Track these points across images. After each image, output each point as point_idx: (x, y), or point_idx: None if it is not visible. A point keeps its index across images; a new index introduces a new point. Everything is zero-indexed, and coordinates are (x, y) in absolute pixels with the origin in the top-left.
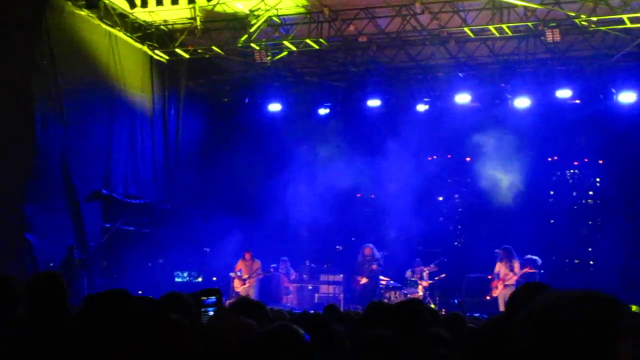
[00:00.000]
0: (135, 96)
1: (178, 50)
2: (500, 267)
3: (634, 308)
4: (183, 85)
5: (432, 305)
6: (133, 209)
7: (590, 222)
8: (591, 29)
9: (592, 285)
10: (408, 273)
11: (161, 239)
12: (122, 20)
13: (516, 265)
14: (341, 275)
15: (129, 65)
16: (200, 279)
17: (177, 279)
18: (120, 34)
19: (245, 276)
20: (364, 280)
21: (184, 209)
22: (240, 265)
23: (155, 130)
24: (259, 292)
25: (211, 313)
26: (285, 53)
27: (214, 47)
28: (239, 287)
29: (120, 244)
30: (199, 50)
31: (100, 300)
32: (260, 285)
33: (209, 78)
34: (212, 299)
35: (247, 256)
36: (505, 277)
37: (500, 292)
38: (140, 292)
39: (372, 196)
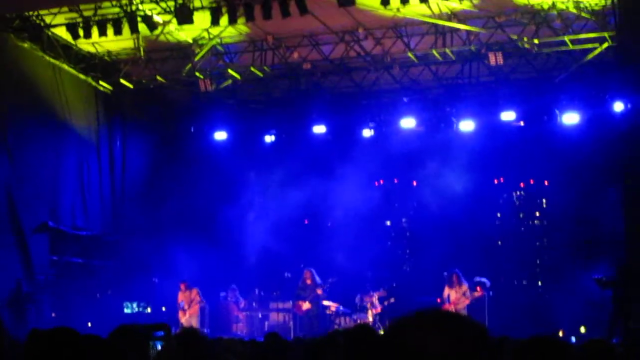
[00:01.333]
0: (81, 127)
1: (122, 81)
2: (449, 291)
3: (582, 330)
4: (128, 116)
5: (382, 331)
6: (81, 241)
7: (537, 243)
8: (535, 51)
9: (541, 305)
10: (357, 298)
11: (110, 271)
12: (66, 52)
13: (465, 288)
14: (290, 303)
15: (74, 97)
16: (149, 310)
17: (126, 310)
18: (64, 66)
19: (186, 307)
20: (306, 306)
21: (132, 239)
22: (180, 296)
23: (102, 161)
24: (209, 321)
25: (159, 347)
26: (229, 81)
27: (158, 77)
28: (182, 318)
29: (68, 276)
30: (143, 81)
31: (44, 338)
32: (204, 313)
33: (154, 108)
34: (160, 332)
35: (182, 287)
36: (457, 301)
37: None
38: (89, 324)
39: (327, 223)
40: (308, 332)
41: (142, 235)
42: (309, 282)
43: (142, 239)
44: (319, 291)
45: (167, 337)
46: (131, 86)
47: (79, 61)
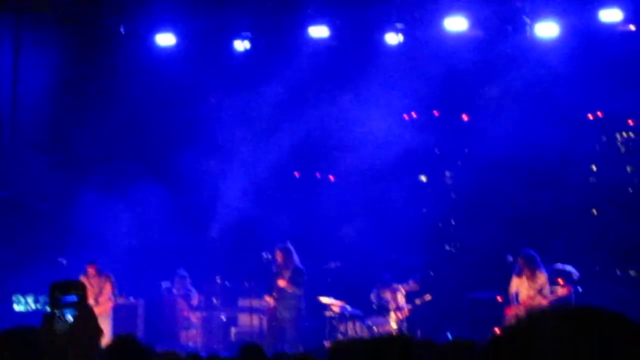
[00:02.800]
0: None
1: None
2: (518, 284)
3: None
4: (24, 10)
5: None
6: None
7: None
8: None
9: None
10: (374, 294)
11: None
12: None
13: (544, 281)
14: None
15: None
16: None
17: (16, 307)
18: None
19: (92, 301)
20: (282, 283)
21: (28, 199)
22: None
23: None
24: (144, 325)
25: (69, 317)
26: None
27: None
28: None
29: None
30: None
31: None
32: (137, 314)
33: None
34: (72, 297)
35: (91, 270)
36: (530, 300)
37: None
38: None
39: (318, 175)
40: (272, 343)
41: (45, 194)
42: (280, 266)
43: (43, 200)
44: (281, 283)
45: (81, 303)
46: None
47: None
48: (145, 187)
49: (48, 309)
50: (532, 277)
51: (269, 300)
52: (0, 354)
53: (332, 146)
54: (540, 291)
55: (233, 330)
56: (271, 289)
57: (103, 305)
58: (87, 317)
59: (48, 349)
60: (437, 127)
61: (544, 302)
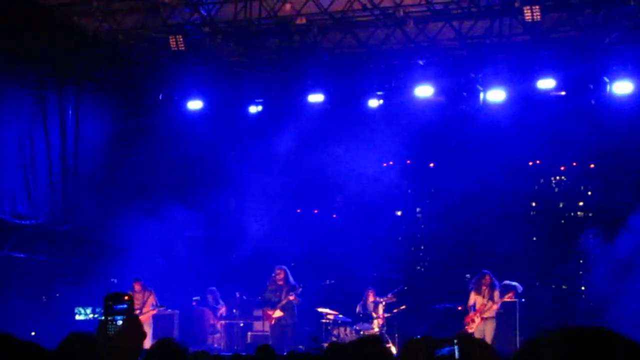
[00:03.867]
0: (23, 93)
1: (75, 37)
2: (475, 297)
3: None
4: (82, 80)
5: (391, 345)
6: (23, 231)
7: (580, 239)
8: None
9: (585, 317)
10: (359, 307)
11: (59, 268)
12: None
13: (495, 293)
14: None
15: (12, 54)
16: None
17: (78, 317)
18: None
19: (137, 312)
20: (277, 314)
21: (86, 231)
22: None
23: (51, 134)
24: (178, 331)
25: (119, 322)
26: (207, 39)
27: (118, 33)
28: None
29: (8, 275)
30: (101, 37)
31: None
32: (172, 322)
33: (114, 70)
34: (121, 305)
35: (137, 286)
36: (483, 309)
37: (478, 327)
38: (32, 333)
39: (316, 212)
40: (280, 346)
41: (99, 226)
42: (280, 283)
43: (99, 230)
44: (291, 297)
45: (130, 311)
46: (86, 43)
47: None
48: (178, 220)
49: (102, 317)
50: (489, 290)
51: (272, 312)
52: (69, 349)
53: (327, 187)
54: (491, 299)
55: (249, 334)
56: (276, 302)
57: (146, 315)
58: (132, 321)
59: (103, 348)
60: (409, 172)
61: (495, 308)
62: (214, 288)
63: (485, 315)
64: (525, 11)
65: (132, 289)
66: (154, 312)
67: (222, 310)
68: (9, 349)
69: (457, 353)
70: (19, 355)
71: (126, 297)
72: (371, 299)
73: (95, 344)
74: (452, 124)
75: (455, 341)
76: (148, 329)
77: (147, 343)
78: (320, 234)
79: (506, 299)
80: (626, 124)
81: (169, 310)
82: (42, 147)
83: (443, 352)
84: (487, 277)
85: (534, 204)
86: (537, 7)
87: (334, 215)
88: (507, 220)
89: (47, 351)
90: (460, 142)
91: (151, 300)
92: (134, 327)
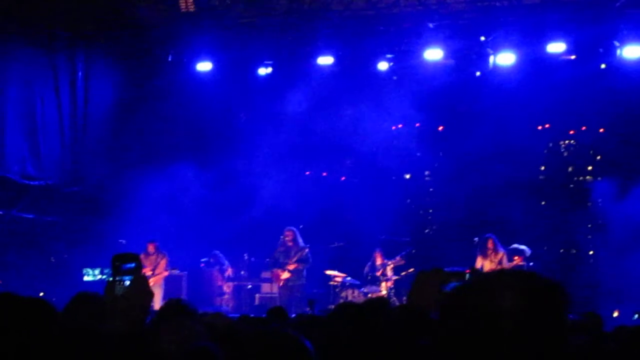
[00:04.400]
0: (33, 52)
1: None
2: (482, 261)
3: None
4: (91, 41)
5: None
6: (32, 192)
7: (589, 204)
8: None
9: (593, 279)
10: (366, 268)
11: (67, 229)
12: None
13: (502, 257)
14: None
15: (21, 10)
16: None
17: (86, 277)
18: None
19: (149, 273)
20: (285, 275)
21: (95, 191)
22: (144, 260)
23: (62, 95)
24: (187, 293)
25: (127, 282)
26: (216, 0)
27: None
28: None
29: (16, 234)
30: None
31: None
32: (181, 284)
33: (123, 32)
34: (129, 265)
35: (151, 248)
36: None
37: None
38: (41, 293)
39: (324, 174)
40: (289, 307)
41: (108, 187)
42: (290, 244)
43: (108, 191)
44: (293, 266)
45: (137, 271)
46: (96, 4)
47: None
48: (188, 182)
49: (110, 277)
50: (494, 254)
51: (281, 272)
52: (76, 308)
53: (337, 150)
54: (499, 263)
55: (257, 296)
56: (285, 264)
57: (158, 276)
58: (140, 281)
59: (110, 307)
60: (418, 136)
61: None
62: (217, 252)
63: None
64: None
65: (146, 250)
66: (166, 273)
67: (229, 272)
68: (16, 307)
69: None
70: (27, 312)
71: (134, 257)
72: (379, 261)
73: (103, 303)
74: (461, 88)
75: (467, 274)
76: (159, 291)
77: (157, 304)
78: (329, 196)
79: (514, 263)
80: (636, 88)
81: (178, 271)
82: (52, 108)
83: (451, 286)
84: (490, 241)
85: (542, 168)
86: None
87: (343, 178)
88: (515, 184)
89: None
90: (470, 105)
91: (163, 263)
92: (142, 286)
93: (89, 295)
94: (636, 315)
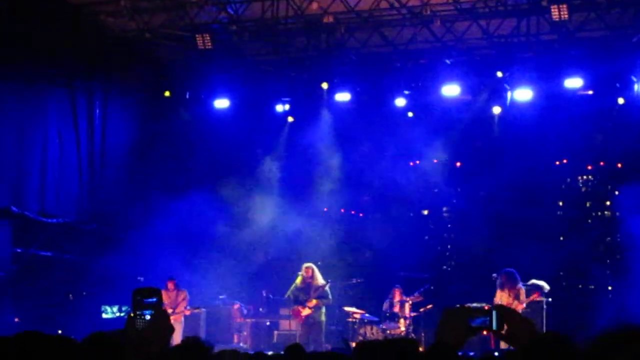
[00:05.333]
0: (53, 90)
1: (103, 35)
2: (501, 296)
3: None
4: (110, 78)
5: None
6: (51, 230)
7: (608, 239)
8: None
9: (613, 313)
10: (385, 304)
11: (86, 267)
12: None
13: (521, 292)
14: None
15: (44, 53)
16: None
17: (104, 315)
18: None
19: (170, 310)
20: (306, 312)
21: (113, 229)
22: (165, 297)
23: (80, 132)
24: (206, 330)
25: (148, 316)
26: (234, 37)
27: (145, 32)
28: None
29: (35, 272)
30: (129, 35)
31: (6, 345)
32: (199, 321)
33: (142, 69)
34: (150, 299)
35: (170, 285)
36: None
37: None
38: (59, 331)
39: (342, 211)
40: (308, 344)
41: (125, 224)
42: (309, 281)
43: (126, 229)
44: (311, 304)
45: (158, 305)
46: (114, 42)
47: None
48: (206, 219)
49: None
50: (512, 290)
51: (302, 309)
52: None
53: (355, 186)
54: (516, 298)
55: (275, 333)
56: (305, 300)
57: (178, 315)
58: (161, 316)
59: (130, 343)
60: (436, 171)
61: (521, 307)
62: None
63: None
64: (553, 10)
65: (166, 287)
66: (187, 312)
67: (247, 309)
68: (39, 345)
69: (494, 322)
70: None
71: (155, 292)
72: (397, 297)
73: (118, 343)
74: (479, 123)
75: (493, 311)
76: (179, 328)
77: (176, 340)
78: (347, 232)
79: (532, 298)
80: None
81: (198, 310)
82: (71, 145)
83: (478, 322)
84: (509, 276)
85: (560, 204)
86: (565, 5)
87: (361, 214)
88: (533, 220)
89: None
90: (487, 141)
91: (184, 300)
92: (163, 321)
93: (103, 335)
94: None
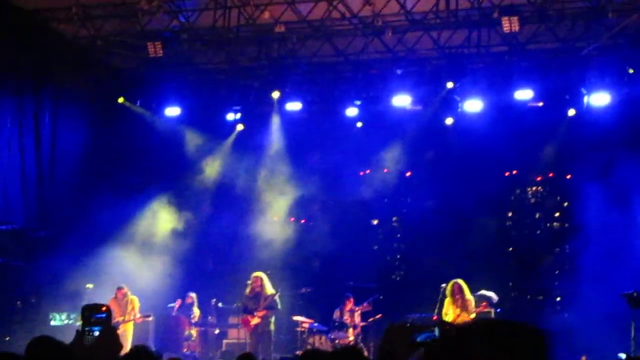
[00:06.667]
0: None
1: (53, 43)
2: (448, 306)
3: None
4: (60, 85)
5: (365, 354)
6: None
7: (557, 250)
8: (570, 10)
9: (560, 325)
10: (336, 313)
11: (34, 274)
12: None
13: (470, 302)
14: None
15: None
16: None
17: (53, 322)
18: None
19: (120, 319)
20: (255, 321)
21: (61, 236)
22: (113, 304)
23: (25, 138)
24: (153, 338)
25: (96, 333)
26: (185, 45)
27: (97, 39)
28: None
29: None
30: (80, 43)
31: None
32: (147, 329)
33: (92, 77)
34: (101, 315)
35: (120, 294)
36: (457, 318)
37: None
38: (7, 338)
39: (292, 220)
40: (257, 353)
41: (74, 231)
42: (258, 290)
43: (75, 236)
44: (264, 313)
45: (107, 322)
46: (64, 49)
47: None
48: (155, 225)
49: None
50: (460, 300)
51: (251, 318)
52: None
53: (303, 195)
54: (465, 309)
55: (224, 342)
56: (254, 310)
57: (128, 322)
58: (110, 333)
59: (78, 358)
60: (386, 181)
61: (469, 318)
62: (192, 294)
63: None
64: (504, 22)
65: (116, 295)
66: (138, 320)
67: (196, 317)
68: None
69: (437, 335)
70: None
71: (104, 308)
72: (348, 307)
73: (60, 348)
74: (429, 134)
75: (436, 327)
76: (128, 336)
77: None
78: (296, 241)
79: (480, 309)
80: (603, 135)
81: (149, 317)
82: (16, 151)
83: (422, 337)
84: (457, 287)
85: (510, 214)
86: (516, 18)
87: (310, 223)
88: (483, 230)
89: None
90: (438, 151)
91: (134, 307)
92: (111, 339)
93: (46, 339)
94: (623, 356)
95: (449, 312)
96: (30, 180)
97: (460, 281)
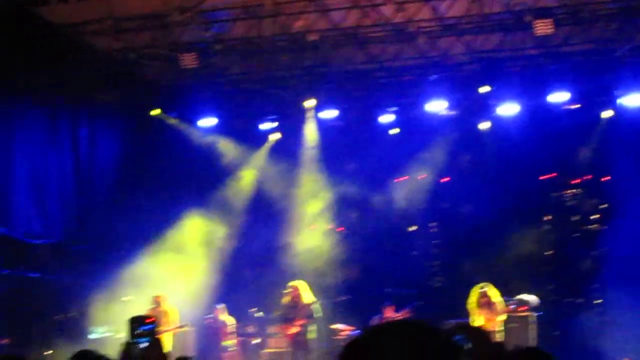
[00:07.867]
0: (37, 112)
1: (87, 56)
2: (475, 311)
3: None
4: (95, 99)
5: None
6: (38, 251)
7: (596, 252)
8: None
9: (600, 329)
10: (375, 321)
11: (74, 288)
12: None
13: (499, 305)
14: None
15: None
16: (121, 335)
17: (91, 335)
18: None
19: (159, 328)
20: (293, 330)
21: (101, 250)
22: (152, 314)
23: (64, 153)
24: (195, 349)
25: (143, 344)
26: (219, 56)
27: (130, 52)
28: None
29: (23, 294)
30: (113, 56)
31: None
32: (186, 340)
33: (126, 89)
34: (147, 327)
35: (159, 302)
36: (487, 323)
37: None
38: (50, 352)
39: (329, 227)
40: None
41: (113, 245)
42: (296, 299)
43: (114, 249)
44: (303, 321)
45: (152, 333)
46: (98, 62)
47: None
48: (194, 236)
49: (126, 338)
50: (492, 304)
51: (288, 327)
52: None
53: (342, 203)
54: (495, 311)
55: (264, 352)
56: (292, 319)
57: (166, 331)
58: (156, 344)
59: None
60: (423, 187)
61: (498, 319)
62: (222, 305)
63: (495, 328)
64: (537, 25)
65: (155, 305)
66: (178, 330)
67: (233, 327)
68: None
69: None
70: None
71: (150, 320)
72: (388, 314)
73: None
74: (464, 139)
75: (457, 331)
76: (168, 346)
77: None
78: (333, 249)
79: (518, 312)
80: (638, 136)
81: (188, 327)
82: (55, 167)
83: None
84: (484, 290)
85: (547, 218)
86: (549, 20)
87: (348, 230)
88: (520, 234)
89: None
90: (473, 156)
91: (174, 317)
92: (157, 351)
93: (90, 352)
94: None
95: (478, 317)
96: (69, 194)
97: (486, 285)
